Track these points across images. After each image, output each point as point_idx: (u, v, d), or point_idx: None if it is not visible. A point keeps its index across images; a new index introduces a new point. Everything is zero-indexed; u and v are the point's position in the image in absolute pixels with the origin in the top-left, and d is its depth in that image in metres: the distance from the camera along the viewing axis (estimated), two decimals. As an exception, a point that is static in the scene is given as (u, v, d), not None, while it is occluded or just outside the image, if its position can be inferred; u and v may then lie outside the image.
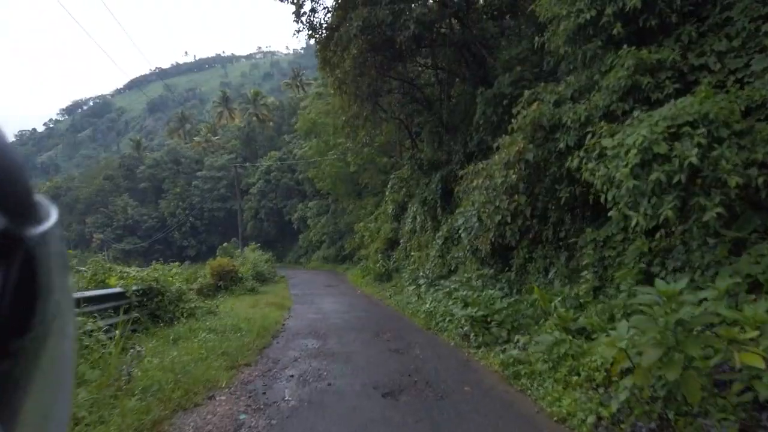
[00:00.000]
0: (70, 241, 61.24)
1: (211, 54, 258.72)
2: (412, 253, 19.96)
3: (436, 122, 20.85)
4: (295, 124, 45.94)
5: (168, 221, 59.41)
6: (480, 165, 9.78)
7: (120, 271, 9.65)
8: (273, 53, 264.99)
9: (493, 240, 10.31)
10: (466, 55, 18.13)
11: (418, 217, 20.15)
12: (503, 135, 9.76)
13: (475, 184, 9.48)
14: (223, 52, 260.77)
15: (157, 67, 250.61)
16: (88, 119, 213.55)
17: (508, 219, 9.03)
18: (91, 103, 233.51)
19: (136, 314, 8.20)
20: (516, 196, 8.87)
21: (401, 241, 22.20)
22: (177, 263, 25.43)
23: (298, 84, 69.69)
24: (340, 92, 18.46)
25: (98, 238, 57.07)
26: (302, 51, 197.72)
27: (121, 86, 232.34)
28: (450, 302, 10.27)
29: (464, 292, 10.10)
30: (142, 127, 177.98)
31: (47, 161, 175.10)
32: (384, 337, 9.45)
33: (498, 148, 9.56)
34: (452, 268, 15.92)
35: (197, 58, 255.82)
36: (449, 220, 17.10)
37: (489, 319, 7.93)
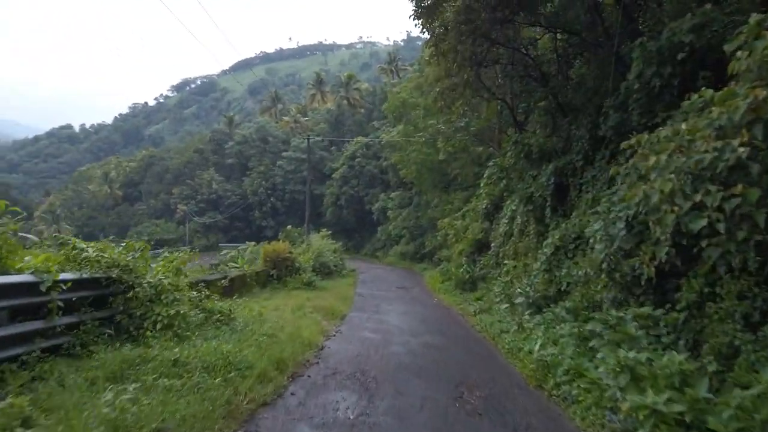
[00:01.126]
0: (156, 210, 62.54)
1: (313, 41, 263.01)
2: (506, 262, 15.96)
3: (551, 102, 16.65)
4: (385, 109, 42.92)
5: (250, 199, 58.73)
6: (665, 131, 5.73)
7: (72, 248, 6.65)
8: (373, 44, 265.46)
9: (662, 259, 6.28)
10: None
11: (518, 217, 16.11)
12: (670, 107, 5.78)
13: (651, 162, 5.47)
14: (325, 40, 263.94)
15: (261, 51, 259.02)
16: (194, 97, 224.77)
17: (721, 226, 4.96)
18: (198, 82, 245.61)
19: (60, 323, 5.11)
20: (739, 186, 4.81)
21: (492, 244, 18.23)
22: (253, 243, 23.38)
23: (393, 69, 66.66)
24: (437, 52, 14.76)
25: (182, 209, 57.49)
26: (402, 43, 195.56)
27: (227, 68, 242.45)
28: (587, 354, 6.38)
29: (607, 339, 6.16)
30: (242, 108, 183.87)
31: (154, 133, 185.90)
32: (471, 401, 5.76)
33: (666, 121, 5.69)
34: (563, 288, 11.85)
35: (300, 45, 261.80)
36: (563, 225, 12.98)
37: (691, 422, 4.01)
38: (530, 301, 11.93)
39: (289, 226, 30.72)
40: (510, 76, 18.04)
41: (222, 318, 7.79)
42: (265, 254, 16.48)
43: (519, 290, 12.96)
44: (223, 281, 11.89)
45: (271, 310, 9.81)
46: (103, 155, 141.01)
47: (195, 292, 7.91)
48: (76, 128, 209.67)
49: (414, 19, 14.09)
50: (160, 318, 6.26)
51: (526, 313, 11.19)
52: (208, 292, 8.39)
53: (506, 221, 17.19)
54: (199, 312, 7.45)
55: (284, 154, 59.74)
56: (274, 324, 8.03)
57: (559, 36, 17.05)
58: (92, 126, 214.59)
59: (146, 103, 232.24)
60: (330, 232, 31.38)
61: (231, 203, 59.17)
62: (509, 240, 16.72)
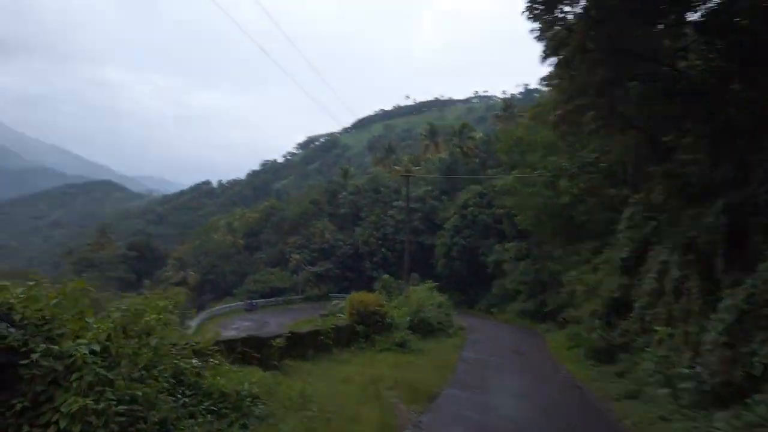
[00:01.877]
0: (272, 259, 64.06)
1: (429, 98, 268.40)
2: (657, 328, 12.23)
3: (712, 124, 13.06)
4: (501, 157, 40.18)
5: (361, 249, 57.97)
6: None
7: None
8: (489, 97, 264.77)
9: None
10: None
11: (672, 270, 12.44)
12: None
13: None
14: (441, 95, 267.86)
15: (380, 109, 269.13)
16: (317, 154, 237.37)
17: None
18: (322, 140, 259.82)
19: None
20: None
21: (636, 305, 14.46)
22: (374, 293, 21.78)
23: (509, 116, 63.93)
24: (559, 65, 12.06)
25: (295, 258, 58.12)
26: (519, 95, 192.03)
27: (349, 125, 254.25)
28: None
29: None
30: (361, 163, 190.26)
31: (281, 188, 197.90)
32: None
33: None
34: (757, 373, 8.15)
35: (417, 102, 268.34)
36: (747, 282, 9.31)
37: None
38: (705, 387, 8.40)
39: (386, 276, 28.46)
40: (650, 96, 14.69)
41: (227, 406, 5.36)
42: (351, 306, 14.25)
43: (684, 370, 9.38)
44: (278, 340, 9.67)
45: (336, 383, 7.41)
46: (235, 208, 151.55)
47: (196, 359, 5.65)
48: (214, 184, 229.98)
49: (529, 19, 11.53)
50: (55, 418, 3.79)
51: (703, 407, 7.70)
52: (217, 360, 6.11)
53: (654, 276, 13.49)
54: (185, 395, 5.17)
55: (395, 203, 58.67)
56: (317, 414, 5.58)
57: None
58: (228, 182, 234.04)
59: (275, 160, 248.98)
60: (436, 284, 28.81)
61: (343, 253, 58.82)
62: (660, 300, 12.98)
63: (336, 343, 12.42)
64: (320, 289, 57.72)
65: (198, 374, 5.55)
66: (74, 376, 4.17)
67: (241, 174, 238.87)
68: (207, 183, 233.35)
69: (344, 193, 64.60)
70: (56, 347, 4.24)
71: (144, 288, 72.31)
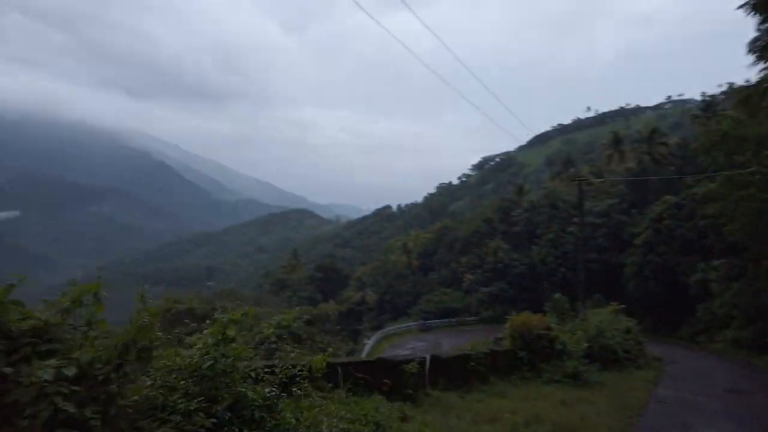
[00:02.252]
0: (445, 279, 63.81)
1: (613, 107, 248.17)
2: None
3: None
4: (702, 161, 34.56)
5: (538, 269, 54.72)
6: None
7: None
8: (684, 102, 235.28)
9: None
10: None
11: None
12: None
13: None
14: (627, 104, 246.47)
15: (558, 124, 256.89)
16: (493, 173, 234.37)
17: None
18: (497, 160, 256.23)
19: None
20: None
21: None
22: (541, 314, 20.16)
23: (709, 116, 55.40)
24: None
25: (468, 278, 57.04)
26: (722, 95, 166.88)
27: (525, 143, 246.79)
28: None
29: None
30: (537, 180, 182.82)
31: (456, 209, 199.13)
32: None
33: None
34: None
35: (598, 113, 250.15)
36: None
37: None
38: None
39: (557, 295, 25.85)
40: None
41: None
42: (512, 328, 12.72)
43: None
44: (411, 365, 8.39)
45: (479, 423, 6.20)
46: (412, 230, 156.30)
47: (265, 387, 4.55)
48: (394, 208, 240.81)
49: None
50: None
51: None
52: (304, 388, 5.11)
53: None
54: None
55: (575, 219, 54.37)
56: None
57: None
58: (406, 205, 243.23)
59: (450, 182, 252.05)
60: (623, 306, 25.34)
61: (518, 273, 56.08)
62: None
63: (493, 371, 11.14)
64: (495, 310, 55.60)
65: (269, 407, 4.40)
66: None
67: (419, 198, 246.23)
68: (388, 207, 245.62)
69: (518, 211, 62.02)
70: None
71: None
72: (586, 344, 14.99)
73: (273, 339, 9.25)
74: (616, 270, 49.04)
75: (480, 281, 56.58)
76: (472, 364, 10.70)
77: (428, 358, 11.44)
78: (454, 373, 10.66)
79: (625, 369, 16.27)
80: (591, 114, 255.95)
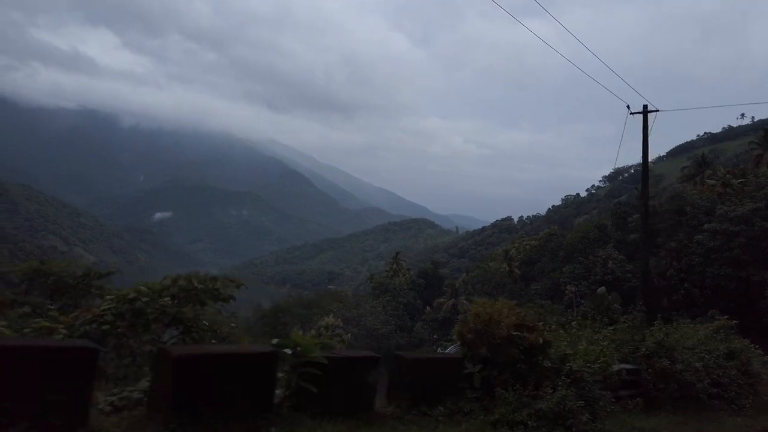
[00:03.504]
0: (547, 290, 57.18)
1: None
2: None
3: None
4: None
5: (655, 283, 46.38)
6: None
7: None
8: None
9: None
10: None
11: None
12: None
13: None
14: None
15: (705, 132, 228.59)
16: (625, 186, 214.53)
17: None
18: (632, 171, 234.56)
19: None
20: None
21: None
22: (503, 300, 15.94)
23: None
24: None
25: (570, 290, 50.22)
26: None
27: (663, 153, 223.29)
28: None
29: None
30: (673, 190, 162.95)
31: (582, 222, 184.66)
32: None
33: None
34: None
35: (754, 120, 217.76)
36: None
37: None
38: None
39: (602, 288, 19.90)
40: None
41: None
42: (467, 324, 8.33)
43: None
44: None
45: None
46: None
47: None
48: (515, 220, 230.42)
49: None
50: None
51: None
52: None
53: None
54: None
55: (706, 226, 45.30)
56: None
57: None
58: (527, 217, 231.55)
59: (578, 194, 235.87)
60: (736, 322, 18.77)
61: (630, 287, 48.08)
62: None
63: (408, 393, 7.10)
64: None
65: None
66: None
67: (542, 210, 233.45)
68: (508, 219, 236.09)
69: (636, 216, 53.57)
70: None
71: (424, 314, 73.98)
72: (622, 366, 9.90)
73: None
74: (756, 289, 39.70)
75: (583, 293, 49.49)
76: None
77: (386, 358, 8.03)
78: (421, 387, 7.10)
79: (704, 411, 10.82)
80: (745, 121, 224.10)
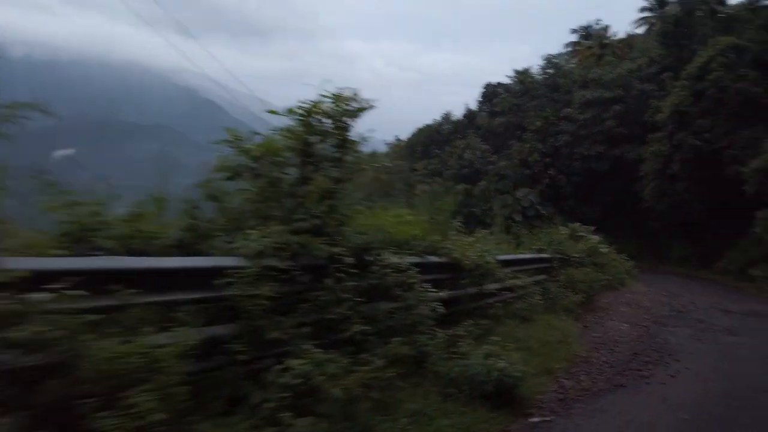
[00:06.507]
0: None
1: None
2: None
3: None
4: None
5: (518, 173, 37.46)
6: None
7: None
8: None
9: None
10: None
11: None
12: None
13: None
14: None
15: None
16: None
17: None
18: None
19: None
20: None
21: None
22: None
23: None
24: None
25: (424, 190, 40.61)
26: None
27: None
28: None
29: None
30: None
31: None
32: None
33: None
34: None
35: None
36: None
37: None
38: None
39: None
40: None
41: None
42: None
43: None
44: None
45: None
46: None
47: None
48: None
49: None
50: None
51: None
52: None
53: None
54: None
55: (575, 95, 36.28)
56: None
57: None
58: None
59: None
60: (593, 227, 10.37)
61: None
62: None
63: None
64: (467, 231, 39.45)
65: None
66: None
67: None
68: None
69: (504, 95, 43.97)
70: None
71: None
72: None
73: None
74: (631, 170, 31.44)
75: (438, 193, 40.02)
76: None
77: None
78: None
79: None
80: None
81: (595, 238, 16.16)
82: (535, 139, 36.82)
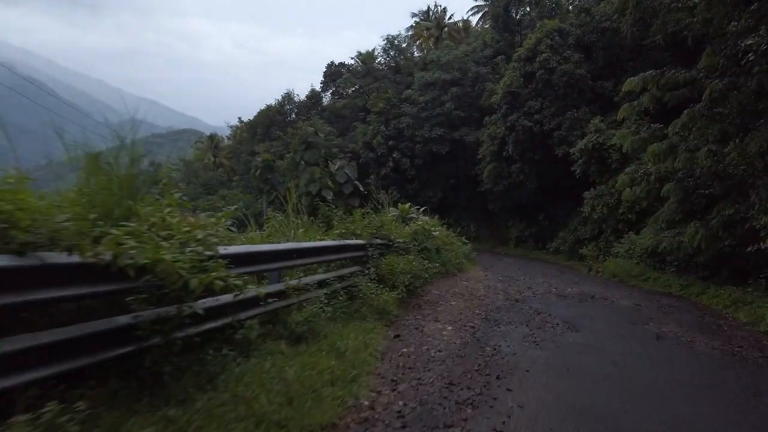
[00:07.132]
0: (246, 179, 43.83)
1: None
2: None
3: None
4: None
5: (362, 157, 35.80)
6: None
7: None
8: None
9: None
10: None
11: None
12: None
13: None
14: None
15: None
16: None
17: None
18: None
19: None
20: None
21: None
22: None
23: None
24: None
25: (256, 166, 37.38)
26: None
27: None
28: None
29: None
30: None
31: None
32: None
33: None
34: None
35: None
36: None
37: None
38: None
39: None
40: None
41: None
42: None
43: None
44: None
45: None
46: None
47: None
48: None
49: None
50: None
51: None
52: None
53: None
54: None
55: (416, 76, 35.54)
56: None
57: None
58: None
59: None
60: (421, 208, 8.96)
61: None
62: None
63: None
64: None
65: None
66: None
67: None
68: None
69: (346, 75, 42.08)
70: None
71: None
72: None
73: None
74: (471, 151, 31.35)
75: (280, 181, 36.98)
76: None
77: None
78: None
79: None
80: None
81: (426, 219, 14.59)
82: (379, 122, 35.41)
